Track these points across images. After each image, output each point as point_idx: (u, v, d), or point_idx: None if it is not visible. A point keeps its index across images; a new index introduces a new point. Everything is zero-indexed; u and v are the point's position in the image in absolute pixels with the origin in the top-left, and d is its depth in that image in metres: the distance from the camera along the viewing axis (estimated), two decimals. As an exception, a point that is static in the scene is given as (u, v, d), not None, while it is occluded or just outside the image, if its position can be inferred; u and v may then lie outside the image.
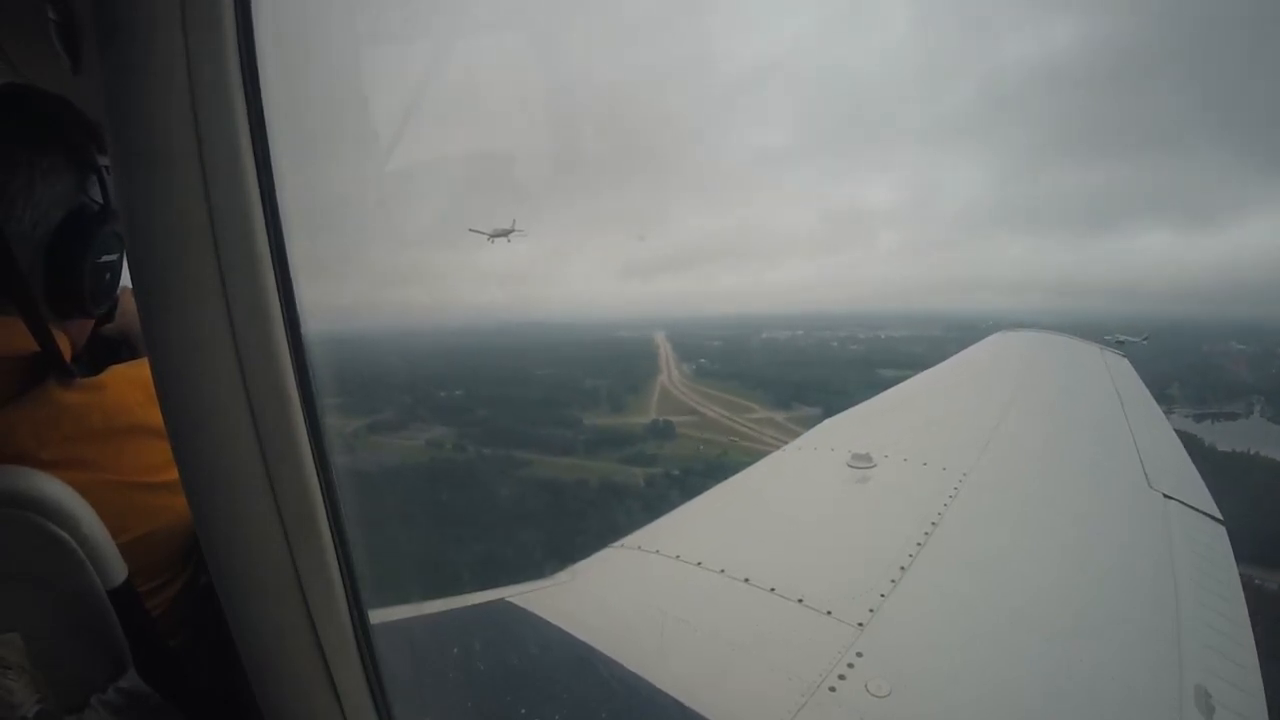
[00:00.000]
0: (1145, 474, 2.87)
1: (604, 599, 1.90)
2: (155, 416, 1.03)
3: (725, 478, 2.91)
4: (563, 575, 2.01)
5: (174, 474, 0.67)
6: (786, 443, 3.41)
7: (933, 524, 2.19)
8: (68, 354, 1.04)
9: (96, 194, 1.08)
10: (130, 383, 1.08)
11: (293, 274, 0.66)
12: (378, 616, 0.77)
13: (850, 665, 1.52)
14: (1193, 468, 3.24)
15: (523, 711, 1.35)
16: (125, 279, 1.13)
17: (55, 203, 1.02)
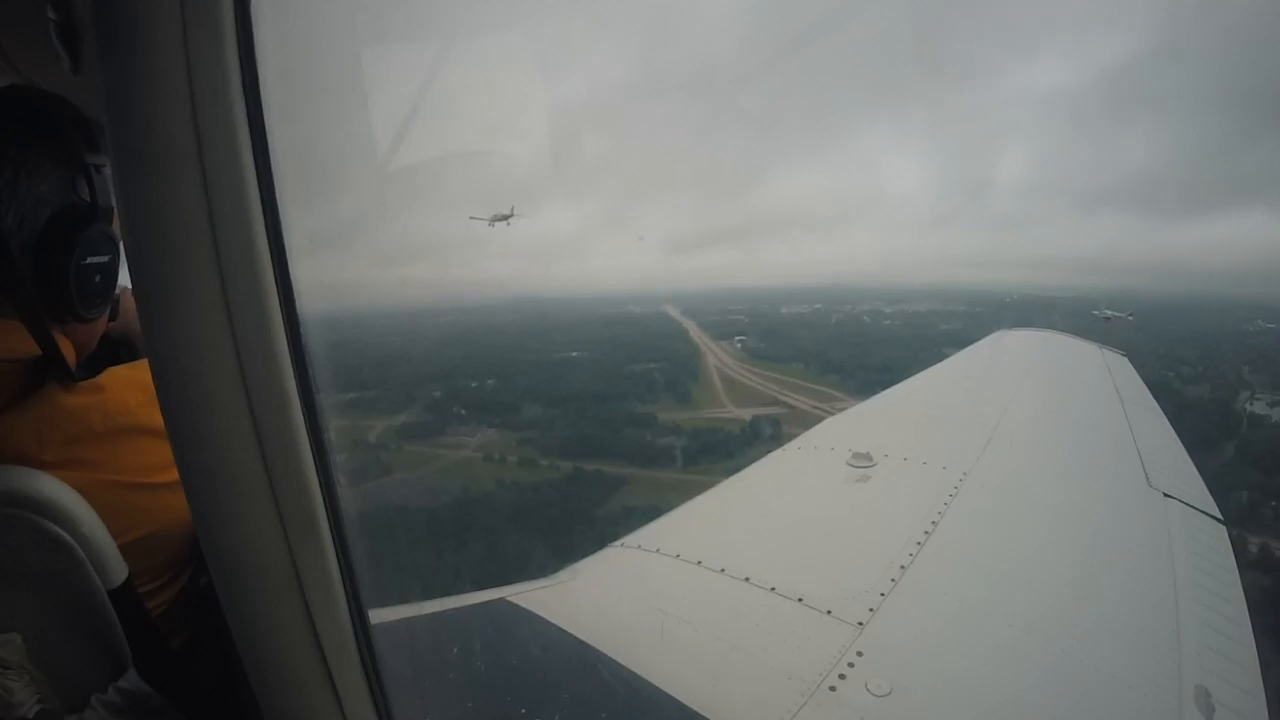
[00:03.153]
0: (1145, 473, 2.87)
1: (604, 599, 1.90)
2: (155, 417, 1.03)
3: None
4: (563, 575, 2.01)
5: (174, 474, 0.67)
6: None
7: (933, 524, 2.19)
8: (72, 358, 1.03)
9: (85, 193, 1.05)
10: (130, 384, 1.07)
11: (293, 274, 0.66)
12: (378, 616, 0.77)
13: (850, 665, 1.52)
14: (1193, 467, 3.24)
15: (523, 711, 1.35)
16: (125, 279, 1.13)
17: (41, 202, 1.00)
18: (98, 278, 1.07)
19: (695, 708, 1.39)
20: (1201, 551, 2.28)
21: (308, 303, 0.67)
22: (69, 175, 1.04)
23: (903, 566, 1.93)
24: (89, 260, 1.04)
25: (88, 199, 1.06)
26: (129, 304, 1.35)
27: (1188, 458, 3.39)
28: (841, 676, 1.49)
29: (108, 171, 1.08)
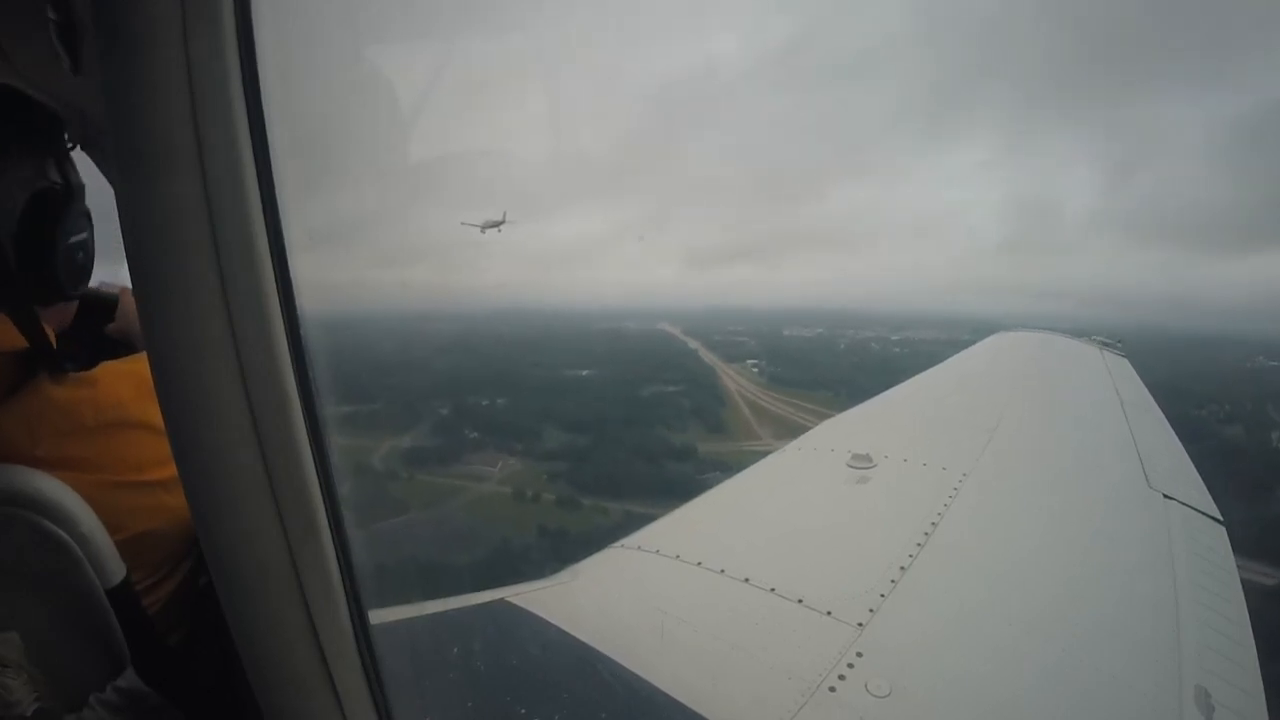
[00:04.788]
0: (1145, 474, 2.87)
1: (604, 599, 1.90)
2: (148, 412, 1.03)
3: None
4: (563, 575, 2.01)
5: (167, 471, 0.67)
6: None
7: (933, 524, 2.19)
8: (52, 339, 1.04)
9: (56, 176, 1.08)
10: (121, 377, 1.07)
11: (293, 274, 0.66)
12: (378, 616, 0.77)
13: (850, 665, 1.52)
14: (1192, 468, 3.24)
15: (523, 711, 1.35)
16: (124, 278, 1.13)
17: (16, 189, 1.01)
18: (80, 255, 1.10)
19: (695, 708, 1.39)
20: (1201, 552, 2.28)
21: (308, 303, 0.67)
22: (38, 161, 1.06)
23: (902, 567, 1.93)
24: (72, 239, 1.07)
25: (61, 181, 1.07)
26: (128, 304, 1.35)
27: (1188, 459, 3.39)
28: (841, 677, 1.49)
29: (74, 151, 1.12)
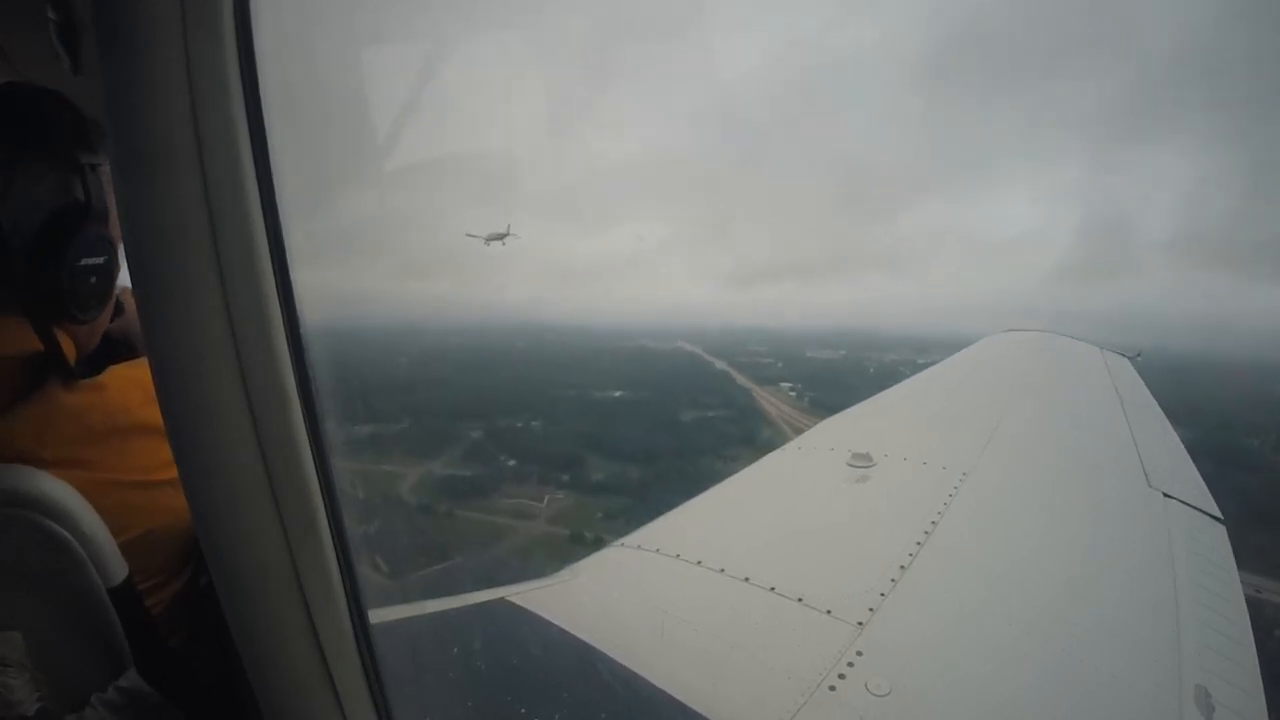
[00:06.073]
0: (1145, 474, 2.87)
1: (604, 599, 1.90)
2: (155, 416, 1.03)
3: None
4: (563, 575, 2.01)
5: (174, 472, 0.67)
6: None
7: (933, 524, 2.19)
8: (72, 356, 1.03)
9: (80, 194, 1.04)
10: (130, 382, 1.08)
11: (293, 274, 0.66)
12: (378, 616, 0.77)
13: (850, 664, 1.53)
14: (1193, 467, 3.25)
15: (523, 711, 1.35)
16: (125, 279, 1.12)
17: (35, 204, 0.99)
18: (93, 279, 1.06)
19: (695, 708, 1.39)
20: (1201, 551, 2.28)
21: (308, 303, 0.67)
22: (64, 176, 1.03)
23: (902, 566, 1.93)
24: (84, 262, 1.03)
25: (83, 199, 1.04)
26: (129, 304, 1.36)
27: (1188, 458, 3.39)
28: (841, 676, 1.49)
29: (104, 170, 1.07)
